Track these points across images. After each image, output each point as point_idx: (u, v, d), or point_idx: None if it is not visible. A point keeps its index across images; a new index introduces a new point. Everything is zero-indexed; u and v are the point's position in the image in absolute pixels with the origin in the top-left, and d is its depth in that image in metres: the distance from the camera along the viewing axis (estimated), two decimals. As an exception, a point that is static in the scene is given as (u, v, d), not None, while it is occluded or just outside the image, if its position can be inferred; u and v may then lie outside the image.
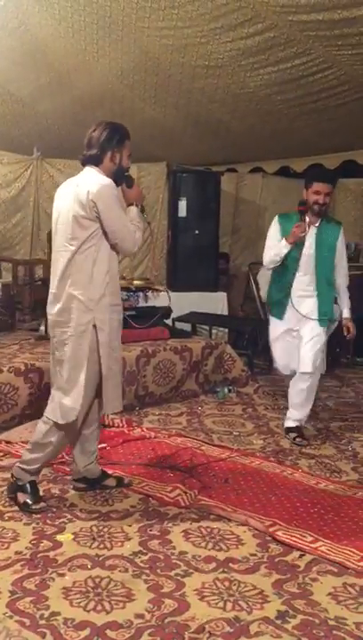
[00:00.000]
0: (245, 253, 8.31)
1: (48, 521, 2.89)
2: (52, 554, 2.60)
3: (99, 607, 2.23)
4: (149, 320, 5.32)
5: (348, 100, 5.60)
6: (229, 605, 2.26)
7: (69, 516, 2.95)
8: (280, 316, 4.17)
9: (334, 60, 4.84)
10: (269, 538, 2.78)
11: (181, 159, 7.59)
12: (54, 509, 3.02)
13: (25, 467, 3.05)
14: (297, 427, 4.19)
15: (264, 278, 4.68)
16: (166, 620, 2.16)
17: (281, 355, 4.25)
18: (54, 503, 3.09)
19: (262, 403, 5.07)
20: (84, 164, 3.06)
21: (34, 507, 2.99)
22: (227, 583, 2.41)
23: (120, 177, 3.08)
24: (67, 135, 6.84)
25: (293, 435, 4.15)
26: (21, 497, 3.04)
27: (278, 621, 2.17)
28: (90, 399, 3.01)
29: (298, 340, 4.11)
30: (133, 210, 3.15)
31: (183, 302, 6.32)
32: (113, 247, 3.00)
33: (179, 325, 6.10)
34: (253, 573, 2.49)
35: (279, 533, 2.80)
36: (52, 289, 3.02)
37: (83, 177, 2.99)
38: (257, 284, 6.05)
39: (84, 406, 2.96)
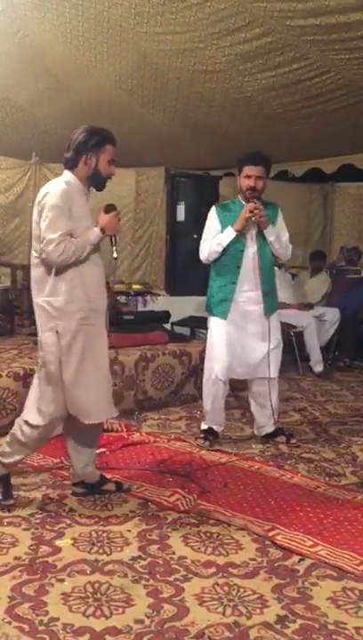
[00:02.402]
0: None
1: (47, 526, 2.88)
2: (51, 559, 2.59)
3: (98, 612, 2.23)
4: (148, 324, 5.31)
5: (345, 104, 5.62)
6: (228, 610, 2.26)
7: (68, 522, 2.94)
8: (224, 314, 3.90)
9: (331, 64, 4.86)
10: (268, 542, 2.78)
11: (179, 163, 7.61)
12: (53, 514, 3.01)
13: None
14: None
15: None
16: (166, 626, 2.16)
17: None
18: (53, 508, 3.08)
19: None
20: (65, 168, 3.02)
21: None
22: (226, 588, 2.41)
23: (97, 182, 2.99)
24: (65, 140, 6.83)
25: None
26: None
27: (278, 626, 2.17)
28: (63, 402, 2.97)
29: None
30: (95, 233, 2.90)
31: (182, 306, 6.32)
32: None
33: (178, 329, 6.10)
34: (252, 578, 2.49)
35: (279, 538, 2.79)
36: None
37: (50, 182, 2.99)
38: None
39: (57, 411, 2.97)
